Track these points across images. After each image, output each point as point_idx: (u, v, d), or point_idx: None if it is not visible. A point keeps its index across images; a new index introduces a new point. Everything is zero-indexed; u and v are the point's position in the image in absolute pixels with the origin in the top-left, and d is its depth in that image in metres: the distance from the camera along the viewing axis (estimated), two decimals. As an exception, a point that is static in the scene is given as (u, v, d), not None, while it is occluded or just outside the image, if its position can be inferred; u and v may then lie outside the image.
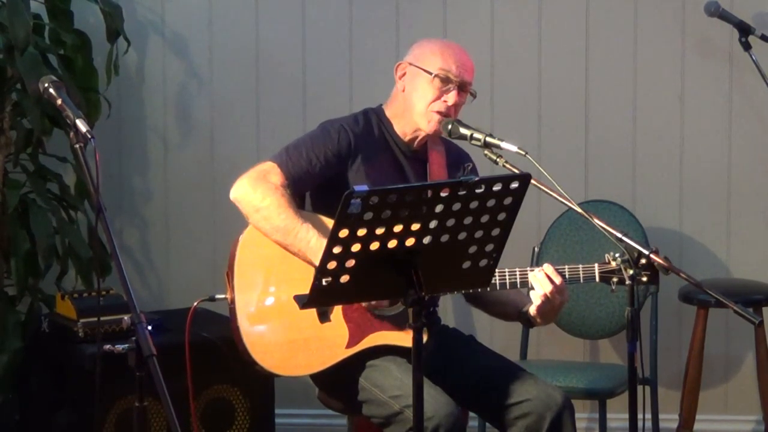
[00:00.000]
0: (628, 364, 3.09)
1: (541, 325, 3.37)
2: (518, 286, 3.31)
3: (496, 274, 3.26)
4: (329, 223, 3.26)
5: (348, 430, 3.74)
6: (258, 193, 3.27)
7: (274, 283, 3.30)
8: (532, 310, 3.30)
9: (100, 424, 3.95)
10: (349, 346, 3.30)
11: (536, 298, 3.25)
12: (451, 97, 3.36)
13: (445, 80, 3.37)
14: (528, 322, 3.38)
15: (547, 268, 3.26)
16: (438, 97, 3.38)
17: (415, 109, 3.41)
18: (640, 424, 3.15)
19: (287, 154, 3.36)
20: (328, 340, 3.29)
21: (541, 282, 3.24)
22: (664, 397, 4.54)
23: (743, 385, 4.75)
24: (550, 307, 3.26)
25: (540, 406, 3.29)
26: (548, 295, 3.23)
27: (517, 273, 3.29)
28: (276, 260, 3.28)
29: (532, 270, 3.27)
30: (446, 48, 3.43)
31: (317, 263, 3.12)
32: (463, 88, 3.39)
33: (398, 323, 3.32)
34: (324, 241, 3.13)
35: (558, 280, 3.24)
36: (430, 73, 3.37)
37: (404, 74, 3.45)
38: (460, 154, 3.60)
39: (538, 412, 3.28)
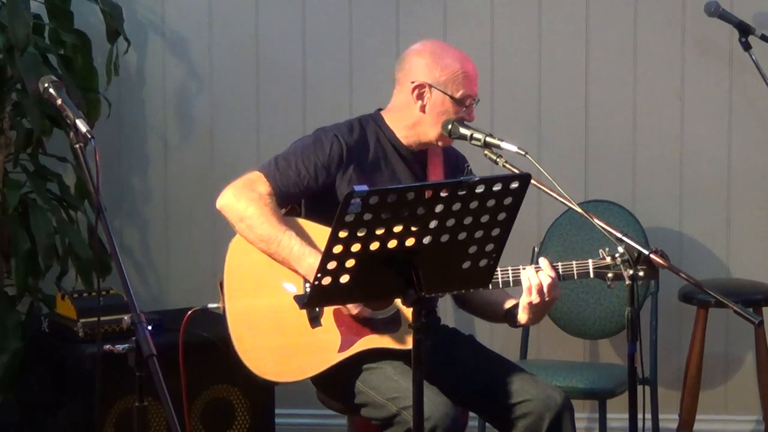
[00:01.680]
0: (628, 364, 3.09)
1: (526, 324, 3.34)
2: (511, 284, 3.29)
3: None
4: (313, 228, 3.26)
5: (348, 430, 3.74)
6: (242, 202, 3.27)
7: (263, 289, 3.29)
8: (523, 305, 3.26)
9: (100, 424, 3.95)
10: (341, 350, 3.29)
11: (528, 293, 3.23)
12: (473, 116, 3.38)
13: (469, 104, 3.38)
14: (513, 319, 3.34)
15: (542, 262, 3.25)
16: (460, 118, 3.38)
17: (434, 127, 3.38)
18: (640, 424, 3.15)
19: (276, 164, 3.35)
20: (320, 345, 3.28)
21: (534, 275, 3.22)
22: (664, 397, 4.54)
23: (743, 385, 4.75)
24: (541, 302, 3.22)
25: (540, 406, 3.29)
26: (542, 288, 3.20)
27: (510, 271, 3.27)
28: (264, 267, 3.28)
29: (524, 268, 3.26)
30: (462, 68, 3.38)
31: (301, 270, 3.15)
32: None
33: (390, 327, 3.31)
34: (306, 248, 3.16)
35: (552, 273, 3.23)
36: (456, 99, 3.35)
37: (423, 94, 3.39)
38: (457, 157, 3.60)
39: (538, 412, 3.28)
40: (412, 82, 3.39)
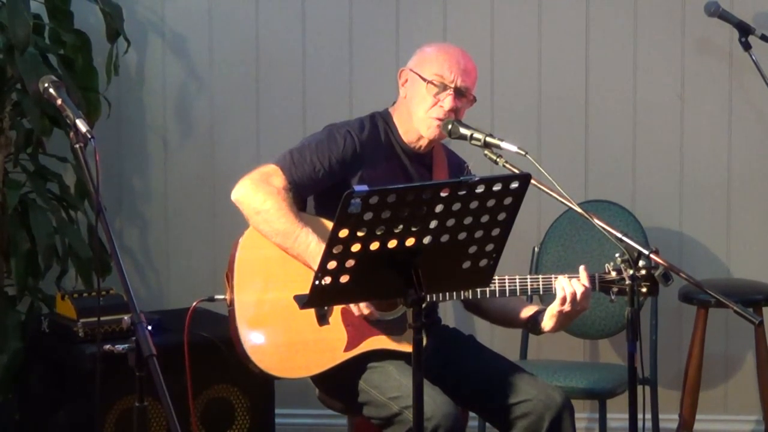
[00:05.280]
0: (628, 364, 3.09)
1: (550, 332, 3.35)
2: (541, 292, 3.31)
3: (517, 279, 3.27)
4: (330, 226, 3.26)
5: (348, 430, 3.74)
6: (259, 195, 3.27)
7: (273, 284, 3.30)
8: (550, 313, 3.27)
9: (100, 424, 3.95)
10: (347, 349, 3.30)
11: (559, 301, 3.24)
12: (447, 103, 3.35)
13: (441, 86, 3.37)
14: (535, 327, 3.37)
15: (581, 271, 3.26)
16: (435, 103, 3.37)
17: (415, 115, 3.40)
18: (640, 424, 3.15)
19: (291, 157, 3.35)
20: (326, 343, 3.29)
21: (566, 286, 3.23)
22: (664, 397, 4.54)
23: (743, 385, 4.75)
24: (572, 311, 3.25)
25: (540, 406, 3.29)
26: (577, 297, 3.22)
27: (540, 279, 3.29)
28: (276, 262, 3.28)
29: (556, 277, 3.27)
30: (443, 53, 3.42)
31: (316, 267, 3.14)
32: (460, 92, 3.38)
33: (397, 328, 3.32)
34: (323, 246, 3.14)
35: (588, 283, 3.24)
36: (426, 80, 3.37)
37: (406, 81, 3.45)
38: (458, 160, 3.61)
39: (538, 412, 3.29)
40: (400, 71, 3.45)
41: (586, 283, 3.24)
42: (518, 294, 3.31)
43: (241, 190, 3.31)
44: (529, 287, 3.29)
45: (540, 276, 3.30)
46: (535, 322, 3.36)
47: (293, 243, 3.25)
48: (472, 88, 3.41)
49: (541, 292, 3.31)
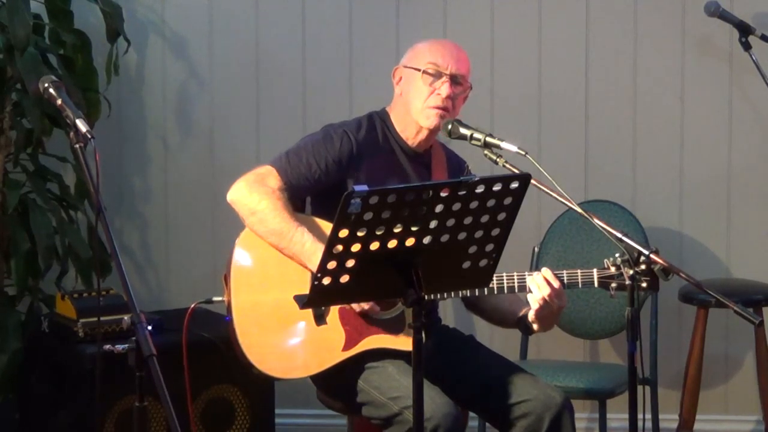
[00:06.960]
0: (628, 364, 3.09)
1: (539, 331, 3.34)
2: (516, 290, 3.30)
3: (494, 278, 3.26)
4: (325, 226, 3.27)
5: (348, 430, 3.74)
6: (254, 196, 3.28)
7: (270, 285, 3.30)
8: (531, 315, 3.28)
9: (100, 424, 3.95)
10: (345, 349, 3.30)
11: (534, 302, 3.24)
12: (444, 89, 3.36)
13: (435, 74, 3.37)
14: (526, 328, 3.36)
15: (546, 272, 3.25)
16: (431, 92, 3.38)
17: (413, 108, 3.40)
18: (640, 424, 3.15)
19: (287, 159, 3.36)
20: (324, 343, 3.29)
21: (539, 285, 3.23)
22: (664, 397, 4.53)
23: (743, 385, 4.75)
24: (548, 311, 3.25)
25: (539, 406, 3.29)
26: (546, 299, 3.22)
27: (515, 277, 3.28)
28: (273, 262, 3.28)
29: (530, 274, 3.27)
30: (434, 43, 3.44)
31: (311, 266, 3.15)
32: (455, 80, 3.38)
33: (395, 327, 3.31)
34: (318, 245, 3.15)
35: (556, 284, 3.23)
36: (419, 70, 3.38)
37: (400, 78, 3.46)
38: (458, 159, 3.61)
39: (538, 412, 3.28)
40: (394, 70, 3.46)
41: (555, 284, 3.23)
42: (495, 292, 3.29)
43: (236, 191, 3.31)
44: (505, 285, 3.28)
45: (515, 274, 3.27)
46: (525, 324, 3.36)
47: (288, 243, 3.25)
48: (467, 77, 3.41)
49: (516, 290, 3.30)
